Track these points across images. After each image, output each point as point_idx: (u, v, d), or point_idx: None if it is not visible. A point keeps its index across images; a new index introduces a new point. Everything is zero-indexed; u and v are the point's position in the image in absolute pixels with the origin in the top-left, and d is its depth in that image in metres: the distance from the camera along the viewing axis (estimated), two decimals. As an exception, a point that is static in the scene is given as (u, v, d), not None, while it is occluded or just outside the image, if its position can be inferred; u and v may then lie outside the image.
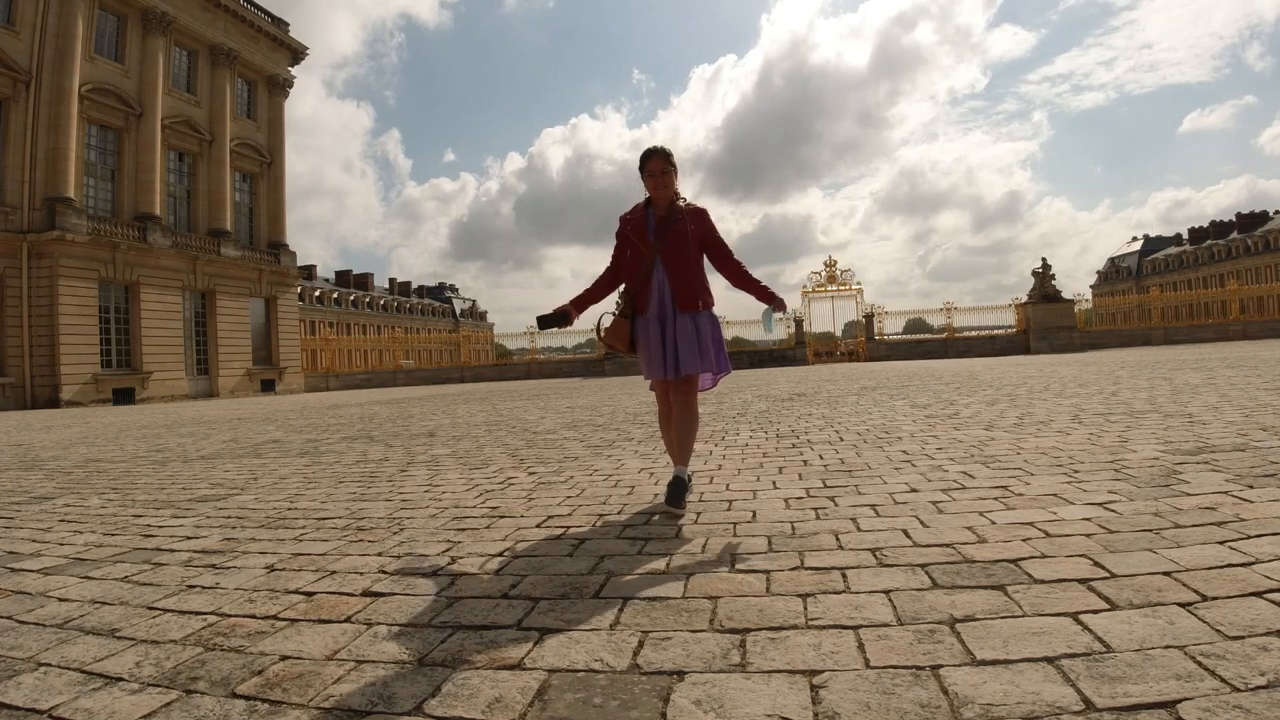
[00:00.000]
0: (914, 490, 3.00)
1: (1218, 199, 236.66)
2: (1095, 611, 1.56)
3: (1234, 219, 71.29)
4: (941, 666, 1.35)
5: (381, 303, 72.54)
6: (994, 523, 2.38)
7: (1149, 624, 1.47)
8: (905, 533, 2.32)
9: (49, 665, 1.58)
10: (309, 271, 60.92)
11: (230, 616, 1.86)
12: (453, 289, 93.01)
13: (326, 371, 32.87)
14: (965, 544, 2.14)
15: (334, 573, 2.23)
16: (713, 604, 1.77)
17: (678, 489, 2.82)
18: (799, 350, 30.25)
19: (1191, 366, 11.08)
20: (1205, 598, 1.59)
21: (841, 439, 4.87)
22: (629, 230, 3.02)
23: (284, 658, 1.57)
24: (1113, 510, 2.44)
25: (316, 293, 63.24)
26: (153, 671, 1.53)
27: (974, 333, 30.61)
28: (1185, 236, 78.05)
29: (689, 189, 3.13)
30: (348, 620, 1.79)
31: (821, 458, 4.07)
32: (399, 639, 1.64)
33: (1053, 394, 7.50)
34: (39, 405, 21.50)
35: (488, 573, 2.15)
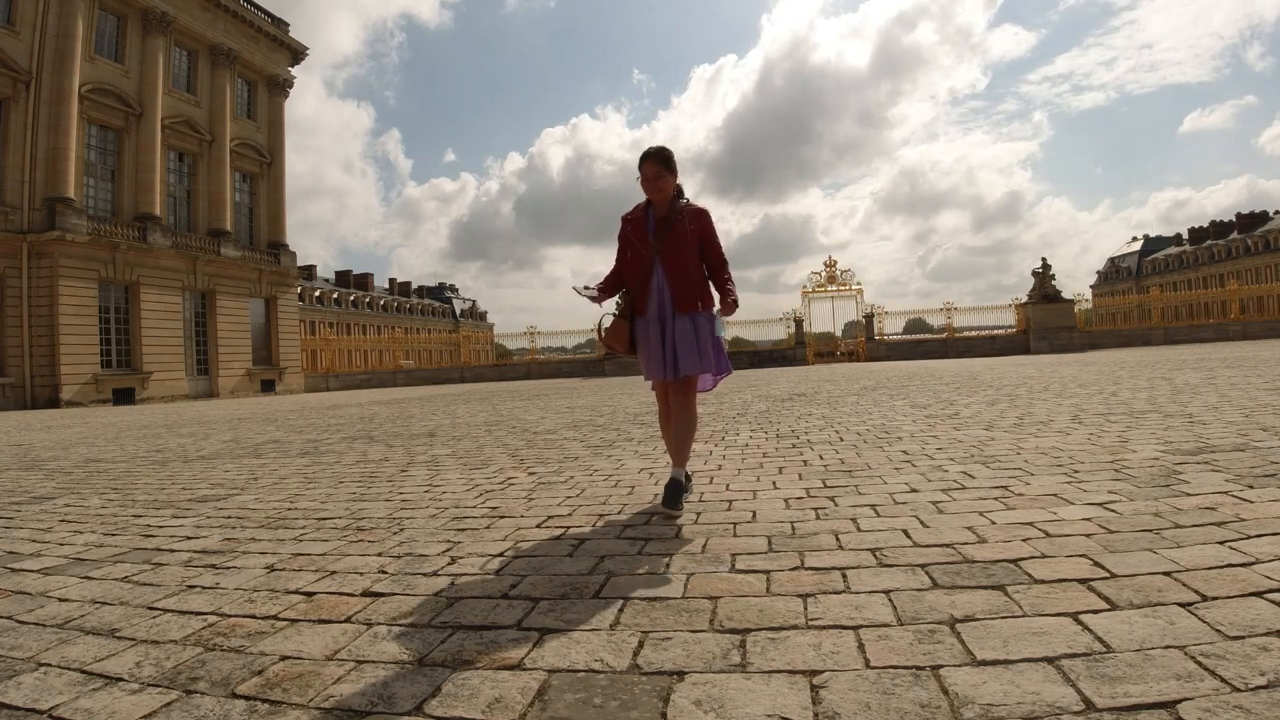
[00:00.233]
0: (914, 490, 3.00)
1: (1218, 199, 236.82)
2: (1095, 611, 1.56)
3: (1234, 219, 71.30)
4: (942, 667, 1.35)
5: (381, 303, 72.56)
6: (994, 523, 2.38)
7: (1149, 624, 1.47)
8: (905, 533, 2.32)
9: (49, 665, 1.58)
10: (309, 271, 60.94)
11: (230, 616, 1.86)
12: (453, 289, 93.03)
13: (326, 372, 32.86)
14: (965, 544, 2.14)
15: (334, 573, 2.23)
16: (713, 604, 1.77)
17: (674, 490, 2.82)
18: (799, 350, 30.25)
19: (1191, 366, 11.08)
20: (1205, 598, 1.59)
21: (841, 439, 4.87)
22: (629, 231, 3.02)
23: (284, 658, 1.57)
24: (1113, 510, 2.43)
25: (316, 293, 63.25)
26: (153, 671, 1.53)
27: (974, 333, 30.62)
28: (1185, 236, 78.07)
29: (689, 189, 3.12)
30: (348, 620, 1.79)
31: (821, 458, 4.07)
32: (399, 639, 1.64)
33: (1053, 394, 7.50)
34: (39, 405, 21.50)
35: (488, 573, 2.15)
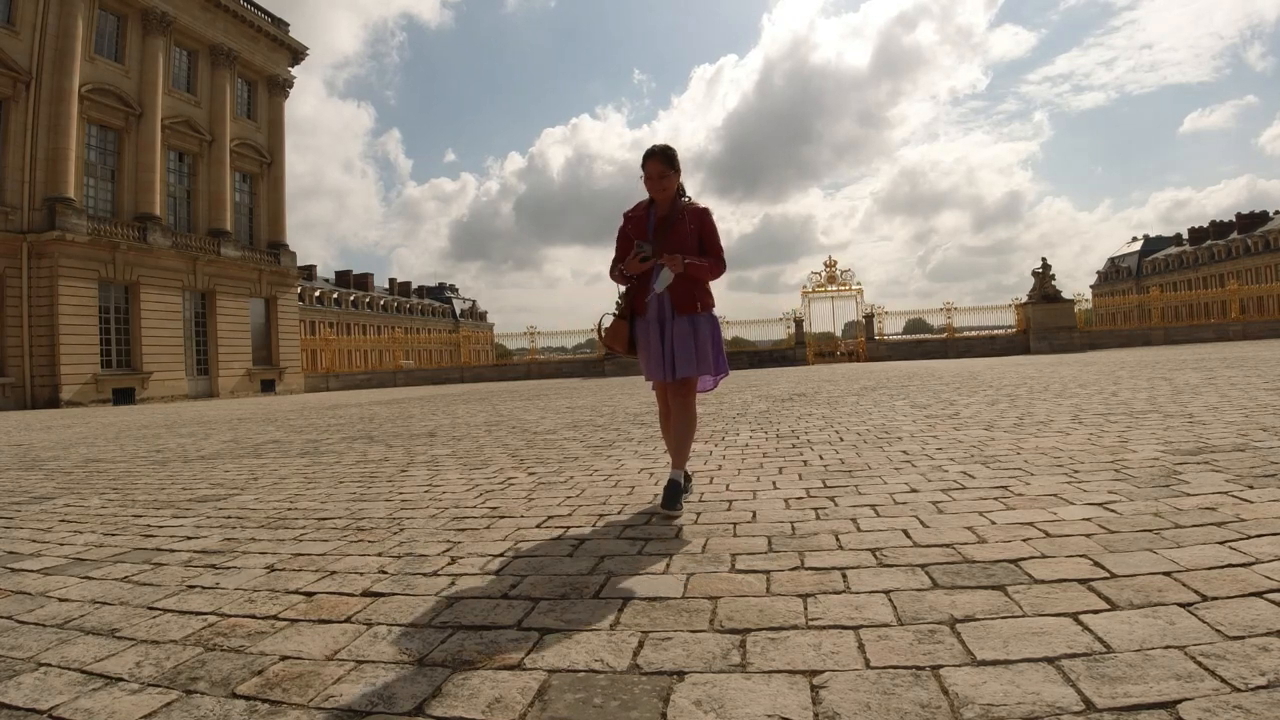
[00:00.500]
0: (914, 490, 3.00)
1: (1218, 199, 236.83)
2: (1095, 612, 1.56)
3: (1234, 219, 71.30)
4: (942, 667, 1.35)
5: (381, 303, 72.56)
6: (994, 523, 2.38)
7: (1149, 624, 1.47)
8: (905, 533, 2.32)
9: (49, 665, 1.58)
10: (309, 271, 60.94)
11: (230, 616, 1.86)
12: (453, 289, 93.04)
13: (326, 372, 32.86)
14: (965, 544, 2.14)
15: (334, 573, 2.23)
16: (713, 604, 1.77)
17: (673, 492, 2.82)
18: (799, 350, 30.24)
19: (1191, 366, 11.08)
20: (1205, 598, 1.59)
21: (841, 439, 4.87)
22: (630, 229, 3.01)
23: (284, 658, 1.57)
24: (1113, 510, 2.43)
25: (316, 293, 63.25)
26: (153, 671, 1.53)
27: (974, 333, 30.61)
28: (1185, 237, 78.07)
29: (689, 190, 3.11)
30: (348, 620, 1.79)
31: (821, 458, 4.07)
32: (399, 639, 1.64)
33: (1053, 394, 7.50)
34: (39, 405, 21.50)
35: (488, 573, 2.15)
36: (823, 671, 1.36)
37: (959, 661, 1.36)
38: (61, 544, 2.84)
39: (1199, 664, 1.29)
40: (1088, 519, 2.34)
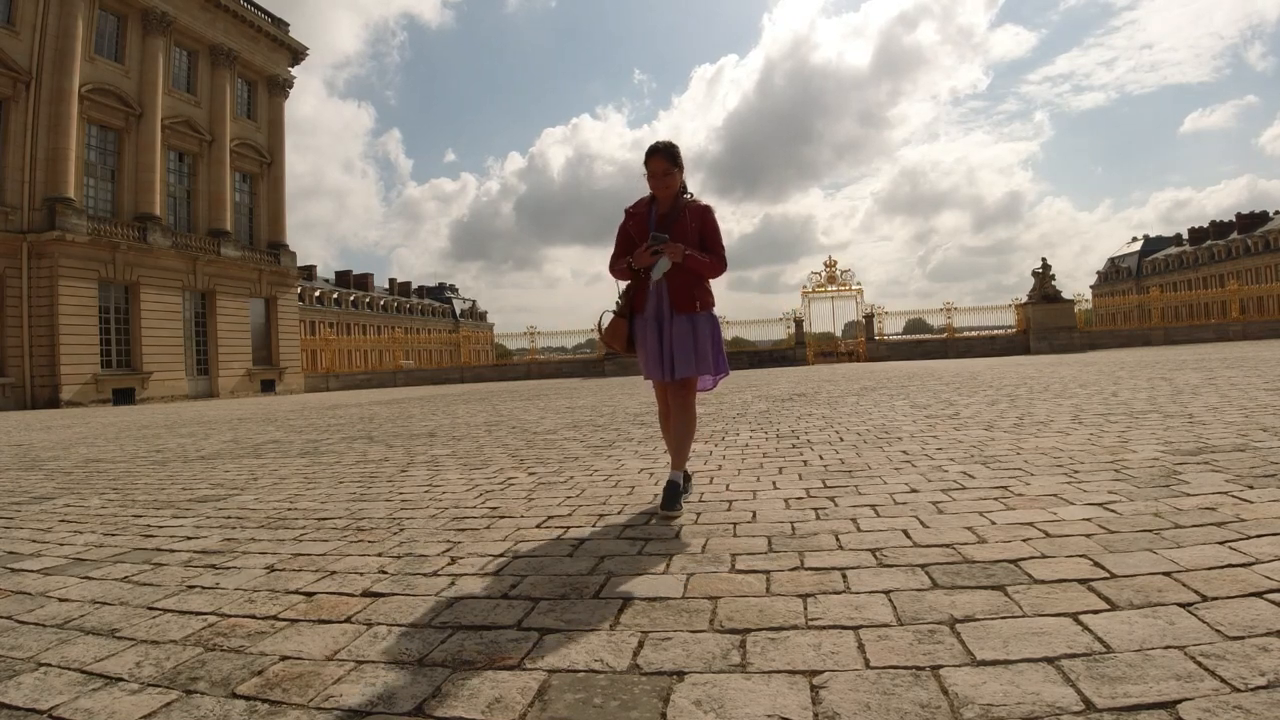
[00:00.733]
0: (914, 490, 3.00)
1: (1218, 199, 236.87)
2: (1095, 612, 1.56)
3: (1234, 219, 71.30)
4: (941, 667, 1.35)
5: (381, 303, 72.57)
6: (994, 523, 2.38)
7: (1149, 624, 1.47)
8: (905, 533, 2.32)
9: (49, 665, 1.58)
10: (309, 272, 60.95)
11: (230, 617, 1.86)
12: (453, 289, 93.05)
13: (326, 372, 32.86)
14: (965, 544, 2.14)
15: (334, 573, 2.23)
16: (713, 604, 1.76)
17: (672, 492, 2.81)
18: (799, 350, 30.24)
19: (1191, 367, 11.08)
20: (1205, 598, 1.59)
21: (841, 439, 4.87)
22: (630, 225, 2.99)
23: (284, 658, 1.57)
24: (1113, 510, 2.43)
25: (316, 293, 63.25)
26: (153, 672, 1.53)
27: (974, 333, 30.61)
28: (1185, 237, 78.06)
29: (690, 189, 3.11)
30: (348, 620, 1.79)
31: (821, 458, 4.07)
32: (399, 639, 1.64)
33: (1053, 394, 7.50)
34: (39, 405, 21.50)
35: (488, 573, 2.15)
36: (823, 671, 1.36)
37: (959, 661, 1.36)
38: (61, 544, 2.84)
39: (1199, 664, 1.29)
40: (1088, 519, 2.34)
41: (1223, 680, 1.22)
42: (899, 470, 3.51)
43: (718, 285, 3.10)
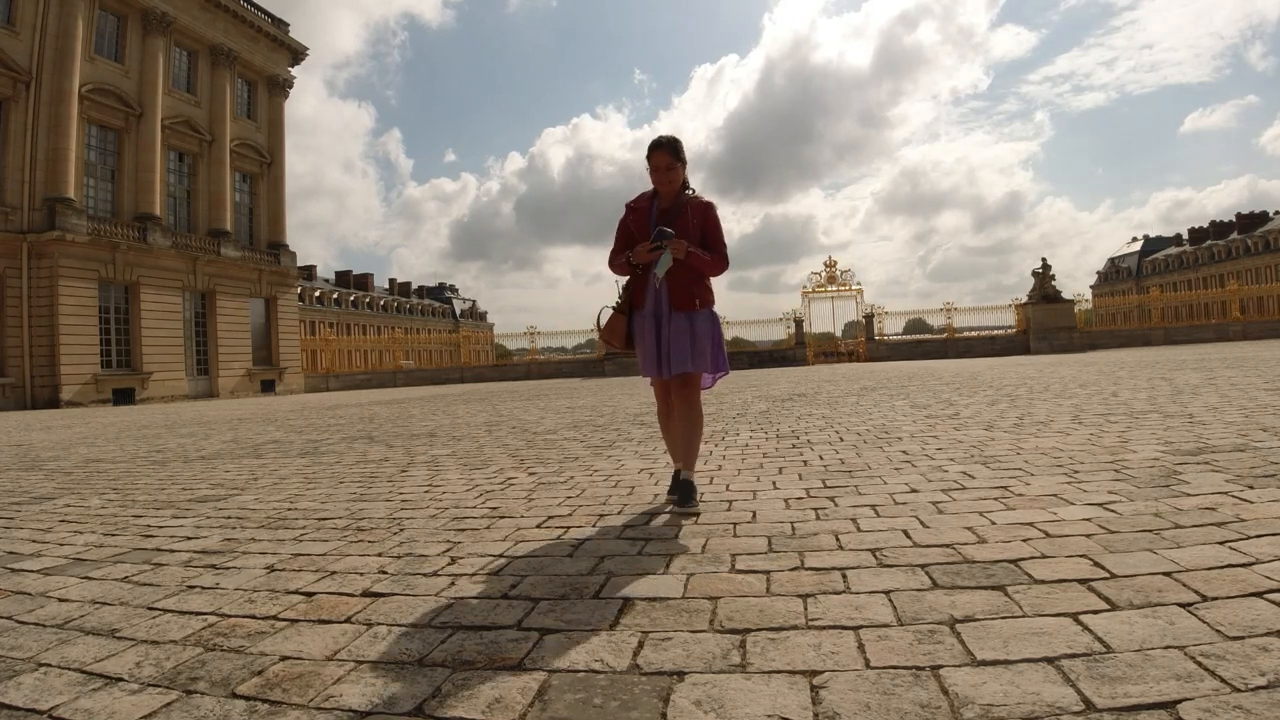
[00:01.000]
0: (914, 490, 3.00)
1: (1219, 199, 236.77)
2: (1095, 612, 1.56)
3: (1234, 219, 71.30)
4: (942, 667, 1.35)
5: (381, 303, 72.58)
6: (994, 523, 2.37)
7: (1149, 624, 1.47)
8: (905, 533, 2.32)
9: (49, 665, 1.58)
10: (309, 272, 60.95)
11: (230, 617, 1.86)
12: (453, 289, 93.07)
13: (326, 372, 32.85)
14: (965, 544, 2.14)
15: (334, 573, 2.23)
16: (713, 604, 1.76)
17: (687, 490, 2.80)
18: (799, 350, 30.24)
19: (1191, 367, 11.08)
20: (1205, 598, 1.59)
21: (841, 439, 4.87)
22: (631, 220, 2.97)
23: (284, 658, 1.57)
24: (1113, 510, 2.43)
25: (316, 293, 63.25)
26: (153, 672, 1.52)
27: (974, 333, 30.62)
28: (1185, 237, 78.06)
29: (693, 186, 3.10)
30: (348, 620, 1.79)
31: (821, 458, 4.07)
32: (399, 639, 1.64)
33: (1053, 394, 7.50)
34: (39, 405, 21.50)
35: (488, 573, 2.15)
36: (823, 672, 1.36)
37: (959, 662, 1.36)
38: (61, 544, 2.84)
39: (1199, 664, 1.29)
40: (1088, 519, 2.34)
41: (1223, 680, 1.22)
42: (899, 470, 3.51)
43: (718, 284, 3.09)
